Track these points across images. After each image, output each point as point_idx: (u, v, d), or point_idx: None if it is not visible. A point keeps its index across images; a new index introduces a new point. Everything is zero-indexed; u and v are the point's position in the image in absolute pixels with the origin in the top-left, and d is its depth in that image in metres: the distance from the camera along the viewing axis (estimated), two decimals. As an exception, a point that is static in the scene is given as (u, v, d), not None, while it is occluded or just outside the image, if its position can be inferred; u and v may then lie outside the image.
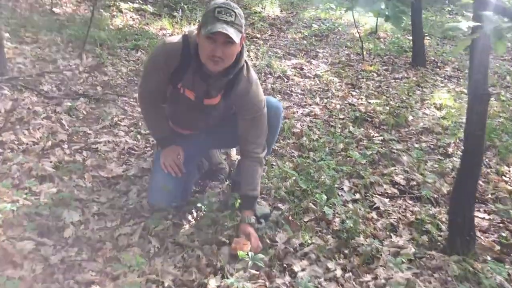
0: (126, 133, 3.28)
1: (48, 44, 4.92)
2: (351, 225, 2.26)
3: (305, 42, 6.92)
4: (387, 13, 3.91)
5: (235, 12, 1.91)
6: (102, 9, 6.74)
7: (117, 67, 4.66)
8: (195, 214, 2.34)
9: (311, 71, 5.39)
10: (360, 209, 2.47)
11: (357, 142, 3.49)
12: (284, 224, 2.26)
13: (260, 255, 1.89)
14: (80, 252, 2.00)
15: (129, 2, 7.24)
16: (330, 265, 2.03)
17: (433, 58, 6.53)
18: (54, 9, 6.37)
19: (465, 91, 5.07)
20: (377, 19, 7.81)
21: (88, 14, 6.27)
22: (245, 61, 2.15)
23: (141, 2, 7.50)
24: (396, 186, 2.84)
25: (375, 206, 2.56)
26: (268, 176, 2.74)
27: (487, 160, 3.34)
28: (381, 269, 2.03)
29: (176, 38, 2.13)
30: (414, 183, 2.88)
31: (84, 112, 3.49)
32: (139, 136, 3.22)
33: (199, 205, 2.32)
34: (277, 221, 2.30)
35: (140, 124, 3.44)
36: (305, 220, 2.36)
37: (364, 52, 6.34)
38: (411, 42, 7.20)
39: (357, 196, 2.66)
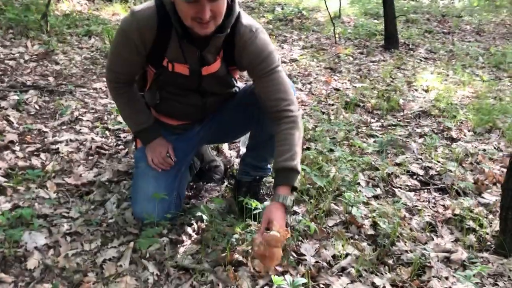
0: (91, 129, 2.73)
1: (-17, 30, 4.22)
2: (389, 229, 1.86)
3: (270, 26, 6.50)
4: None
5: None
6: (44, -7, 6.01)
7: (69, 55, 4.04)
8: (195, 226, 1.87)
9: (286, 55, 4.98)
10: (386, 207, 2.09)
11: (356, 129, 3.12)
12: (308, 231, 1.83)
13: (302, 279, 1.45)
14: (53, 290, 1.48)
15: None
16: (377, 281, 1.62)
17: (402, 40, 6.30)
18: (-13, -8, 5.57)
19: (446, 72, 4.87)
20: (340, 3, 7.57)
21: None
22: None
23: (88, -14, 6.79)
24: (415, 177, 2.49)
25: (401, 202, 2.18)
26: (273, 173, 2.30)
27: (495, 143, 3.08)
28: (436, 280, 1.65)
29: (146, 3, 1.64)
30: (433, 172, 2.54)
31: (37, 107, 2.90)
32: (107, 132, 2.68)
33: (199, 214, 1.85)
34: (298, 228, 1.86)
35: (106, 118, 2.90)
36: (330, 224, 1.95)
37: (336, 36, 6.00)
38: (377, 26, 7.00)
39: (378, 191, 2.28)
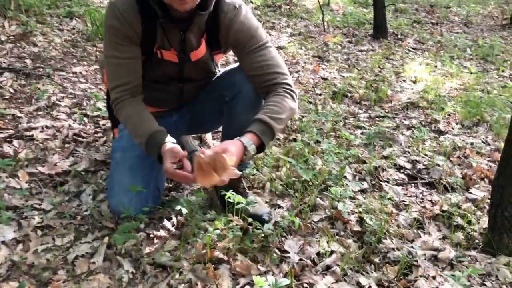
0: (68, 115, 2.61)
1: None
2: (376, 226, 1.80)
3: (258, 12, 6.37)
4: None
5: None
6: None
7: (48, 37, 3.88)
8: (175, 220, 1.78)
9: (274, 42, 4.87)
10: (372, 202, 2.03)
11: (344, 120, 3.05)
12: (293, 227, 1.77)
13: (285, 280, 1.37)
14: (20, 288, 1.39)
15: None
16: (363, 280, 1.57)
17: (391, 30, 6.24)
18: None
19: (434, 63, 4.82)
20: (329, -9, 7.49)
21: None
22: None
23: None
24: (402, 171, 2.44)
25: (388, 197, 2.13)
26: (256, 164, 2.23)
27: (483, 136, 3.04)
28: (423, 280, 1.60)
29: None
30: (421, 166, 2.49)
31: (11, 90, 2.76)
32: (86, 119, 2.57)
33: (178, 207, 1.77)
34: (282, 225, 1.79)
35: (85, 103, 2.78)
36: (315, 220, 1.88)
37: (325, 24, 5.91)
38: (366, 15, 6.93)
39: (365, 185, 2.22)
